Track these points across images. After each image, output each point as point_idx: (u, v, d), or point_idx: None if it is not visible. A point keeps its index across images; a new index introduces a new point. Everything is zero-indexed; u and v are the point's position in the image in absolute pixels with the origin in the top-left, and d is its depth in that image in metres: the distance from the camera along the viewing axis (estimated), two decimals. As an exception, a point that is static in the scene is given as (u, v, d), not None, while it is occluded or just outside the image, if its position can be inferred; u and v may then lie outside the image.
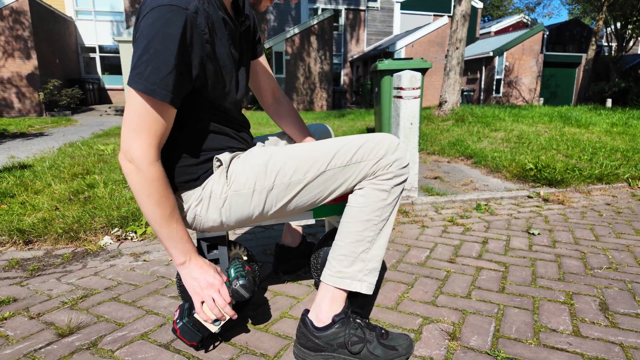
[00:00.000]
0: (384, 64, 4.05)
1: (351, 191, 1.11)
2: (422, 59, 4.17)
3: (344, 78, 20.75)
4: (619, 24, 19.71)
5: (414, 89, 2.72)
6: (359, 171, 1.06)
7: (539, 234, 2.11)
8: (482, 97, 18.40)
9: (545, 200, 2.82)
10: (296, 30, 15.90)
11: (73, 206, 2.31)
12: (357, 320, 1.08)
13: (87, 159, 3.92)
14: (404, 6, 20.83)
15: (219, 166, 1.08)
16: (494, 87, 17.95)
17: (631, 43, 19.52)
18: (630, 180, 3.22)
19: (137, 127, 0.90)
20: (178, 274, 1.21)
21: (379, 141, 1.07)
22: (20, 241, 1.94)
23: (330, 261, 1.09)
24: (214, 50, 0.98)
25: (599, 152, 3.91)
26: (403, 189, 1.11)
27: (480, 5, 22.24)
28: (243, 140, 1.19)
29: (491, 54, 17.26)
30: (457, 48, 6.25)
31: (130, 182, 0.94)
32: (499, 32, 24.34)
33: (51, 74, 13.71)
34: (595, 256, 1.79)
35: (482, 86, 18.29)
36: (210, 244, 1.17)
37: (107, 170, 3.25)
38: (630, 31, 18.89)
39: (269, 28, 18.75)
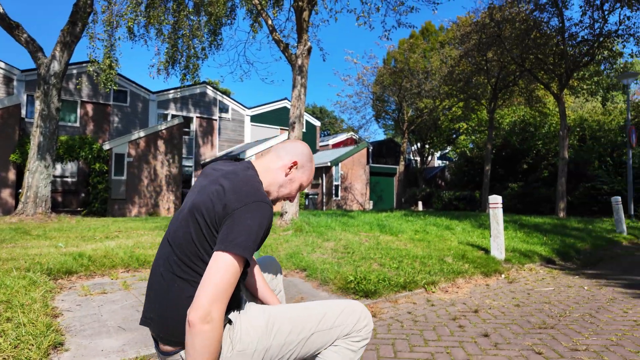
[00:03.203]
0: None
1: None
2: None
3: (194, 180, 20.53)
4: (419, 144, 25.58)
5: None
6: (339, 332, 1.31)
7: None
8: (324, 200, 20.46)
9: (362, 313, 3.14)
10: (142, 134, 15.48)
11: None
12: None
13: None
14: (253, 119, 22.85)
15: (227, 325, 1.20)
16: (334, 192, 20.31)
17: (429, 158, 25.34)
18: (426, 285, 3.88)
19: (225, 288, 1.07)
20: None
21: (353, 309, 1.35)
22: None
23: None
24: None
25: (404, 259, 4.66)
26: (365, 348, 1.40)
27: (318, 123, 26.04)
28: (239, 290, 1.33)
29: (329, 164, 19.85)
30: (292, 165, 7.00)
31: (202, 341, 1.04)
32: (335, 146, 28.51)
33: None
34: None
35: (324, 190, 20.49)
36: None
37: None
38: (427, 150, 24.73)
39: (112, 129, 17.79)
